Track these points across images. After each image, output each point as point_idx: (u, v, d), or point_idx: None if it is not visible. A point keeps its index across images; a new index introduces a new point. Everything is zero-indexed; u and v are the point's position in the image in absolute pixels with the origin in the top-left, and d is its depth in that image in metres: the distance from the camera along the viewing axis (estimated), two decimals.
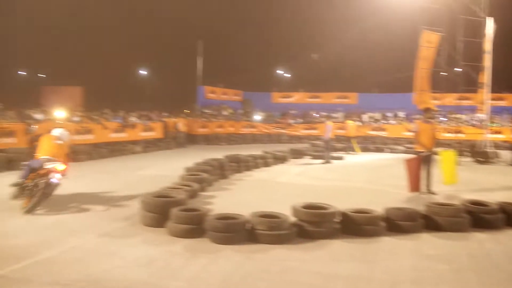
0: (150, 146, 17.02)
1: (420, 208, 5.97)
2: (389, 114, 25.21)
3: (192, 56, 27.42)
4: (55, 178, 6.29)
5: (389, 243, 5.17)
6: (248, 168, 11.03)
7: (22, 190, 6.30)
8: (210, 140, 21.25)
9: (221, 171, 9.65)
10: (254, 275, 4.12)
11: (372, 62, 30.59)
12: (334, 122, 17.50)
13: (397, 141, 20.22)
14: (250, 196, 7.95)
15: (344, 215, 5.54)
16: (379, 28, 27.37)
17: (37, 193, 6.16)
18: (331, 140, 14.27)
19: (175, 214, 5.30)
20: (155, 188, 6.90)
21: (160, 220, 5.46)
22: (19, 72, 34.41)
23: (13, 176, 6.82)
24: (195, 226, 5.19)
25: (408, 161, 8.40)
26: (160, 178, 9.14)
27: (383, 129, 22.95)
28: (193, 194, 7.22)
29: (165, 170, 11.07)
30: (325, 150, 13.90)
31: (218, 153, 11.68)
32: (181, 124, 19.68)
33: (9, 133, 11.51)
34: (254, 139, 22.47)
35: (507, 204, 6.05)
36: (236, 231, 5.02)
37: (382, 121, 24.38)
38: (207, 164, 9.49)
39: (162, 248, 4.83)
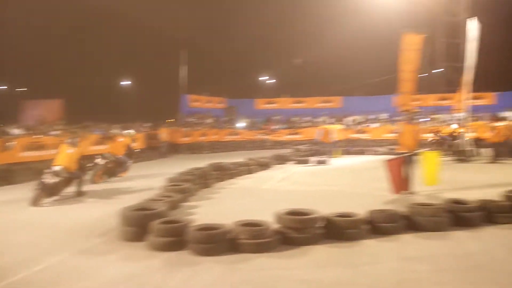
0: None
1: (402, 209, 6.00)
2: (371, 117, 25.48)
3: (176, 65, 27.34)
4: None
5: (371, 246, 5.16)
6: (232, 176, 10.96)
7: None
8: (194, 149, 21.11)
9: (203, 180, 9.54)
10: (237, 286, 4.05)
11: (356, 65, 30.94)
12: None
13: (379, 143, 20.41)
14: (233, 204, 7.86)
15: (328, 220, 5.51)
16: (361, 32, 27.74)
17: None
18: (323, 143, 14.56)
19: (155, 227, 5.19)
20: (135, 201, 6.77)
21: (140, 234, 5.34)
22: None
23: None
24: (176, 239, 5.09)
25: (389, 162, 8.45)
26: (141, 190, 8.99)
27: (365, 132, 23.19)
28: (174, 205, 7.11)
29: (147, 181, 10.89)
30: (319, 153, 14.23)
31: (201, 162, 11.58)
32: (164, 134, 19.51)
33: None
34: (238, 146, 22.43)
35: (486, 201, 6.13)
36: (218, 242, 4.94)
37: (366, 124, 24.63)
38: (189, 174, 9.38)
39: (141, 263, 4.71)
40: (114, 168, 11.11)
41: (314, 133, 17.80)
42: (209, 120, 25.47)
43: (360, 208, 5.94)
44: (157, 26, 30.03)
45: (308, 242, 5.21)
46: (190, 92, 27.00)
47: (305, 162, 14.65)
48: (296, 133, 24.18)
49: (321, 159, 14.76)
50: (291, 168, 13.44)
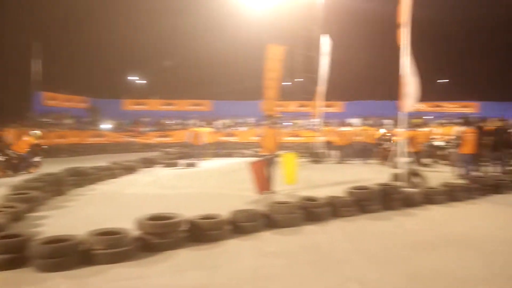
0: None
1: (263, 208, 6.35)
2: (240, 121, 26.55)
3: (26, 58, 24.07)
4: None
5: (232, 246, 5.32)
6: (92, 181, 10.10)
7: None
8: (49, 152, 18.83)
9: (57, 187, 8.56)
10: None
11: (226, 71, 31.78)
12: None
13: (246, 146, 21.36)
14: (91, 212, 7.23)
15: (191, 223, 5.49)
16: (232, 39, 28.65)
17: None
18: (193, 146, 14.60)
19: None
20: None
21: None
22: None
23: None
24: (16, 255, 4.43)
25: (253, 164, 8.89)
26: None
27: (234, 135, 24.05)
28: (17, 217, 6.20)
29: None
30: (188, 155, 14.16)
31: (57, 167, 10.40)
32: (10, 136, 16.94)
33: None
34: (102, 149, 20.83)
35: (332, 197, 6.91)
36: (67, 255, 4.46)
37: (234, 127, 25.54)
38: (39, 180, 8.31)
39: None
40: (18, 164, 12.05)
41: (184, 135, 17.72)
42: (68, 121, 23.10)
43: (225, 209, 6.08)
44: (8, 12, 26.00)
45: (170, 247, 5.10)
46: (45, 89, 24.10)
47: (174, 165, 14.43)
48: (165, 136, 23.67)
49: (190, 161, 14.73)
50: (159, 172, 13.08)
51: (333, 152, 16.75)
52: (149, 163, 14.18)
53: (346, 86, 31.10)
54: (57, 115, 23.04)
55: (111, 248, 4.63)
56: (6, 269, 4.33)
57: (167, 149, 17.77)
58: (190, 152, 16.90)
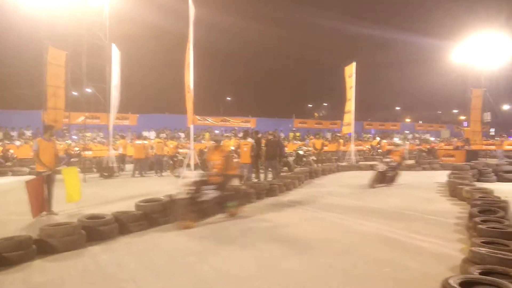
0: None
1: (36, 233, 5.49)
2: (13, 134, 22.60)
3: None
4: None
5: None
6: None
7: None
8: None
9: None
10: None
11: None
12: None
13: (23, 162, 18.33)
14: None
15: None
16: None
17: None
18: None
19: None
20: None
21: None
22: None
23: None
24: None
25: (29, 182, 7.65)
26: None
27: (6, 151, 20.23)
28: None
29: None
30: None
31: None
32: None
33: None
34: None
35: (119, 213, 6.58)
36: None
37: (8, 142, 21.51)
38: None
39: None
40: None
41: None
42: None
43: None
44: None
45: None
46: None
47: None
48: None
49: None
50: None
51: (126, 166, 16.17)
52: None
53: (138, 98, 30.80)
54: None
55: None
56: None
57: None
58: None
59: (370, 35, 42.50)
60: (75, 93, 23.58)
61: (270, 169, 12.96)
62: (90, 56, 17.07)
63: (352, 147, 20.33)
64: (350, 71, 19.91)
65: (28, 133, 22.89)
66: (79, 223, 5.86)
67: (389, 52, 42.15)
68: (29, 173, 14.32)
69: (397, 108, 53.57)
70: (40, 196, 7.75)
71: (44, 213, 7.73)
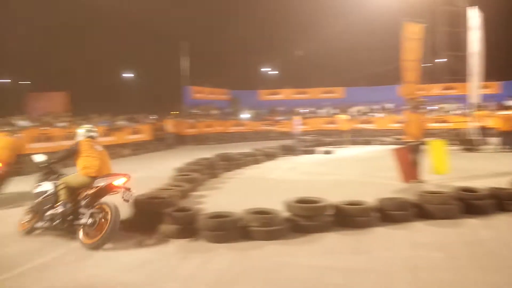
0: (139, 148, 16.88)
1: (412, 197, 6.00)
2: (376, 107, 25.36)
3: (177, 57, 27.20)
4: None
5: (382, 234, 5.17)
6: (239, 166, 10.98)
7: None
8: (199, 140, 21.14)
9: (211, 170, 9.57)
10: (249, 272, 4.08)
11: (358, 55, 30.69)
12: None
13: (385, 133, 20.35)
14: (242, 193, 7.89)
15: (337, 208, 5.53)
16: (363, 21, 27.48)
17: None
18: (299, 134, 14.79)
19: (167, 215, 5.23)
20: (146, 190, 6.79)
21: (152, 222, 5.37)
22: (1, 80, 33.68)
23: None
24: (188, 226, 5.13)
25: (397, 150, 8.43)
26: (151, 180, 9.02)
27: (371, 122, 23.11)
28: (184, 195, 7.15)
29: (155, 171, 10.94)
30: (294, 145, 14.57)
31: (208, 153, 11.60)
32: (170, 126, 19.54)
33: None
34: (243, 137, 22.42)
35: (497, 189, 6.11)
36: (229, 229, 4.97)
37: (371, 114, 24.52)
38: (197, 164, 9.41)
39: (155, 249, 4.76)
40: None
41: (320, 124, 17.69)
42: (214, 112, 25.45)
43: (369, 197, 5.95)
44: (158, 19, 29.79)
45: (318, 229, 5.23)
46: (192, 83, 26.93)
47: (311, 152, 14.65)
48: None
49: (327, 149, 14.75)
50: (297, 158, 13.44)
51: (490, 139, 14.76)
52: (287, 150, 14.67)
53: (502, 64, 26.87)
54: (204, 106, 25.56)
55: (266, 226, 4.98)
56: (180, 238, 5.05)
57: (304, 137, 18.08)
58: (325, 140, 16.92)
59: None
60: (427, 65, 23.61)
61: None
62: (445, 25, 16.47)
63: None
64: None
65: (389, 106, 24.96)
66: (454, 193, 5.90)
67: None
68: (393, 143, 15.68)
69: None
70: (409, 164, 8.34)
71: (414, 180, 8.28)
